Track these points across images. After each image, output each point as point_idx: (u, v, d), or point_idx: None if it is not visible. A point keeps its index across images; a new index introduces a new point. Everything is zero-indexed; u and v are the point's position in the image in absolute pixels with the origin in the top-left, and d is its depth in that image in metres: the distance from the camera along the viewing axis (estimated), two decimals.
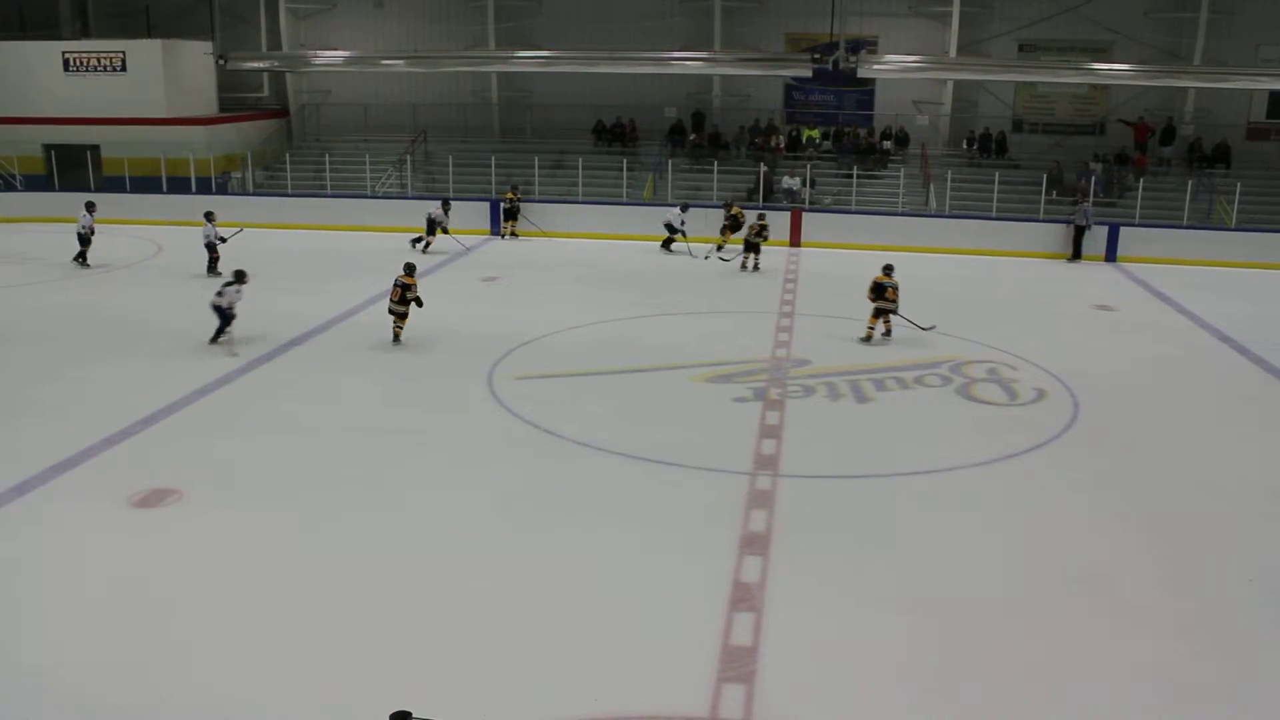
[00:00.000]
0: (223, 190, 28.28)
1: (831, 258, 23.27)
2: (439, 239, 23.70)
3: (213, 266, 19.91)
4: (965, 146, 28.90)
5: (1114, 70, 26.30)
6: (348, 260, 22.30)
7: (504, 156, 28.22)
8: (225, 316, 15.13)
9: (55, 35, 30.91)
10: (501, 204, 25.96)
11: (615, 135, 29.86)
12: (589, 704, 6.77)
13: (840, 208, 26.45)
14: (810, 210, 25.85)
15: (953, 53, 28.25)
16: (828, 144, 29.32)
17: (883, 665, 7.35)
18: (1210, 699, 7.09)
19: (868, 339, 16.06)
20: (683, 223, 23.58)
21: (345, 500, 9.97)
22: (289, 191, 28.51)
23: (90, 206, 21.40)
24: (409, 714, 5.17)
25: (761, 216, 22.33)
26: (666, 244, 23.83)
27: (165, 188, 27.36)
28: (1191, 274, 22.27)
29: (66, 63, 28.99)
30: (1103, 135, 29.01)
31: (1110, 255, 24.04)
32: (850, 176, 26.81)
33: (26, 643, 7.45)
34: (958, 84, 29.35)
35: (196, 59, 29.58)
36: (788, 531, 9.42)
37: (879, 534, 9.47)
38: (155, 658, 7.23)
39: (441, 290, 19.75)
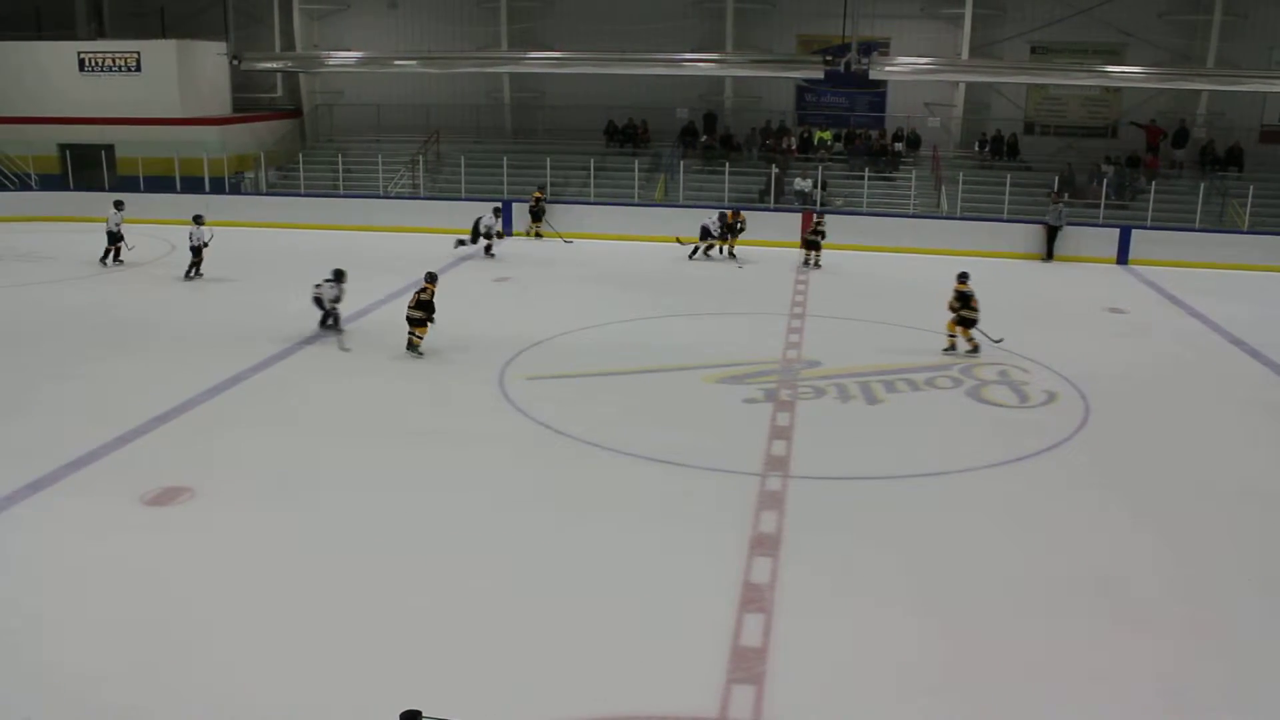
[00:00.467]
0: (236, 190, 28.44)
1: (843, 259, 23.26)
2: (481, 243, 23.21)
3: (193, 270, 19.79)
4: (977, 148, 28.88)
5: (1126, 72, 26.33)
6: (360, 261, 22.28)
7: (516, 157, 28.29)
8: (327, 311, 15.67)
9: (70, 35, 31.07)
10: (527, 204, 25.90)
11: (627, 136, 29.91)
12: (598, 704, 6.79)
13: (852, 209, 26.45)
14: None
15: (965, 55, 28.24)
16: (839, 146, 29.32)
17: (892, 667, 7.36)
18: (1218, 703, 7.08)
19: (951, 348, 15.65)
20: (722, 231, 23.11)
21: (356, 500, 10.02)
22: (302, 191, 28.65)
23: (119, 205, 21.51)
24: (419, 713, 5.18)
25: (821, 218, 22.85)
26: (703, 250, 23.27)
27: (179, 187, 27.52)
28: (1203, 277, 22.22)
29: (82, 63, 29.19)
30: (1115, 138, 28.96)
31: (1122, 258, 24.00)
32: (862, 178, 26.81)
33: (37, 640, 7.48)
34: (969, 86, 29.35)
35: (211, 59, 29.75)
36: (798, 533, 9.44)
37: (889, 536, 9.48)
38: (166, 656, 7.27)
39: (453, 291, 19.78)
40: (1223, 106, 28.38)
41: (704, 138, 29.66)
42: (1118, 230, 24.33)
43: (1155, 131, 27.98)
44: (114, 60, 29.18)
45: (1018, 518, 10.01)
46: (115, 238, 21.25)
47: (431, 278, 15.24)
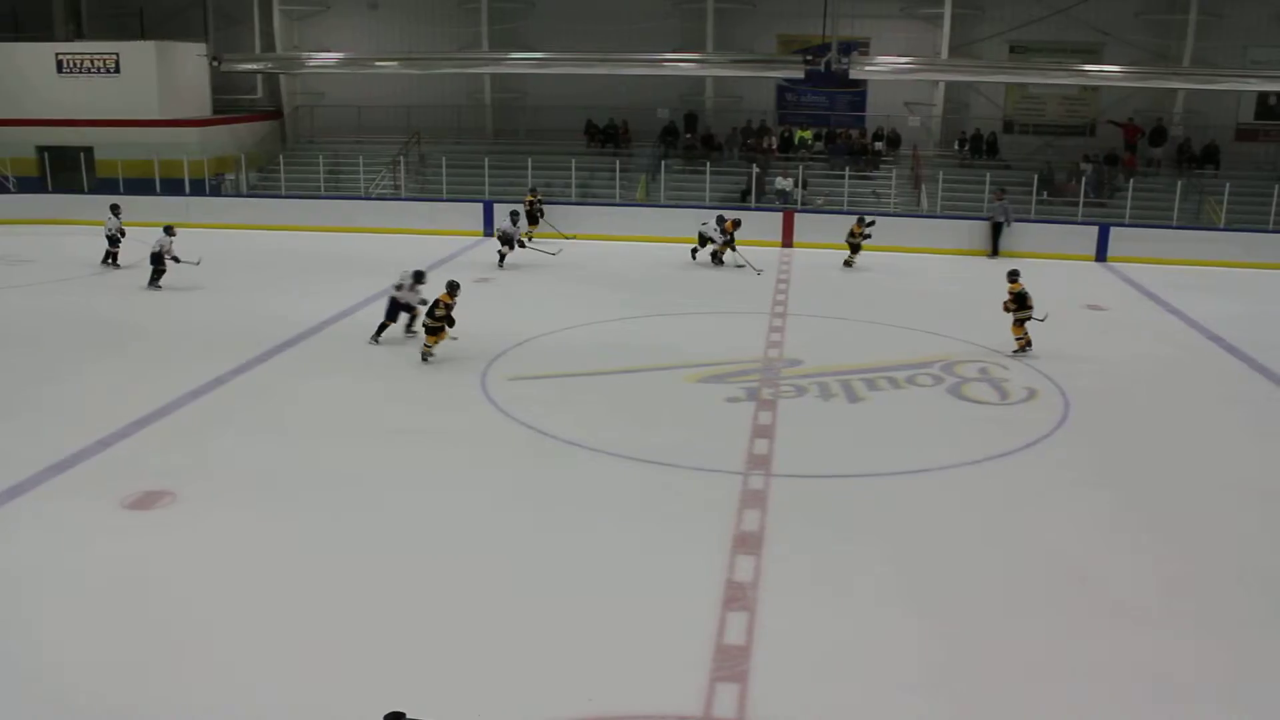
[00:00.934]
0: (217, 192, 28.32)
1: (823, 258, 23.34)
2: (516, 252, 22.33)
3: (156, 279, 19.19)
4: (956, 147, 29.05)
5: (1104, 71, 26.54)
6: (342, 262, 22.34)
7: (497, 158, 28.29)
8: (407, 310, 15.49)
9: (49, 36, 30.88)
10: (521, 207, 24.86)
11: (608, 136, 29.94)
12: (583, 704, 6.82)
13: (832, 209, 26.54)
14: (803, 211, 25.95)
15: (944, 54, 28.39)
16: (820, 145, 29.43)
17: (876, 664, 7.41)
18: (1205, 696, 7.16)
19: (1023, 349, 15.53)
20: (722, 234, 22.18)
21: (339, 501, 10.01)
22: (283, 193, 28.57)
23: (115, 209, 21.41)
24: (403, 715, 5.20)
25: (866, 221, 22.81)
26: (707, 255, 22.56)
27: (159, 189, 27.35)
28: (1181, 274, 22.41)
29: (60, 64, 28.99)
30: (1093, 136, 29.17)
31: (1101, 255, 24.18)
32: (842, 177, 26.91)
33: (19, 645, 7.47)
34: (949, 85, 29.50)
35: (190, 61, 29.61)
36: (780, 531, 9.48)
37: (871, 533, 9.54)
38: (149, 659, 7.27)
39: (433, 291, 19.79)
40: (1199, 105, 28.63)
41: (687, 135, 29.72)
42: (1096, 228, 24.51)
43: (1133, 130, 28.19)
44: (92, 62, 29.01)
45: (1000, 514, 10.09)
46: (114, 241, 21.15)
47: (450, 288, 14.74)
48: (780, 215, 25.29)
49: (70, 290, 19.45)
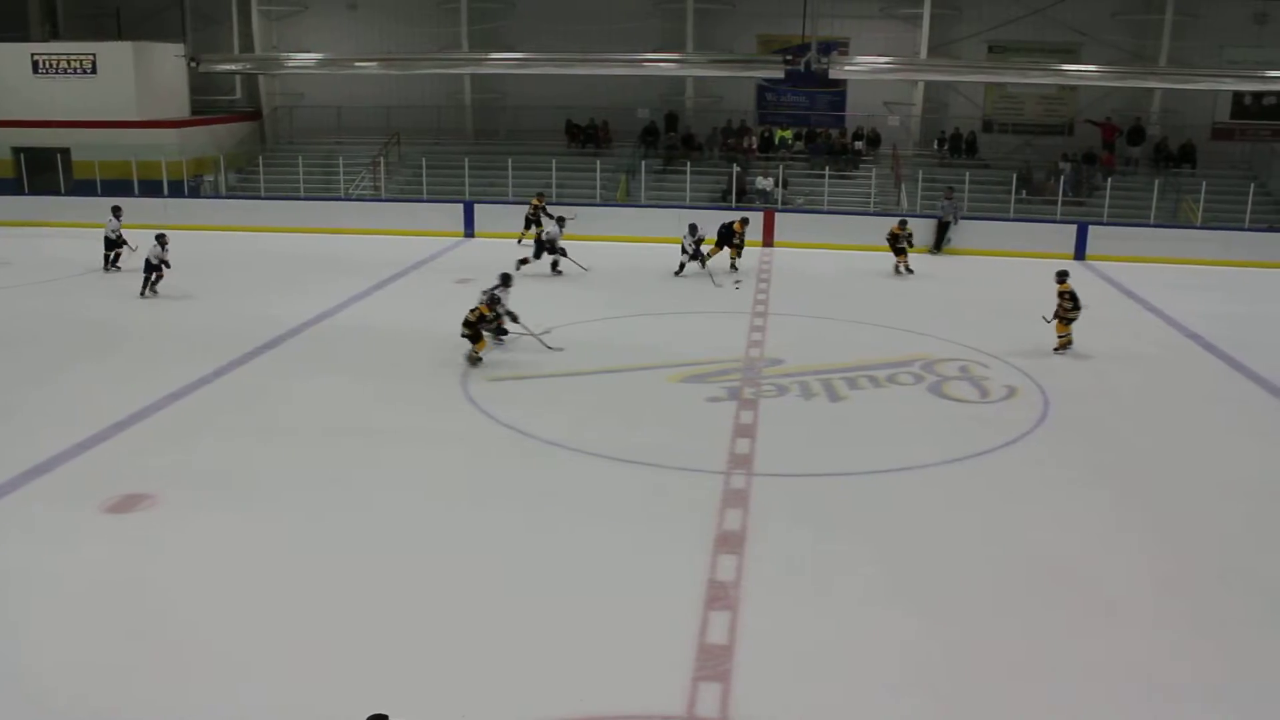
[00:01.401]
0: (195, 193, 28.18)
1: (804, 257, 23.40)
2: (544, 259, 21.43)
3: (147, 285, 18.68)
4: (936, 147, 29.18)
5: (1082, 71, 26.70)
6: (322, 263, 22.27)
7: (477, 159, 28.24)
8: (510, 317, 15.28)
9: (24, 37, 30.61)
10: (526, 212, 24.50)
11: (589, 137, 29.94)
12: (567, 704, 6.82)
13: (813, 208, 26.63)
14: (783, 210, 26.01)
15: (923, 54, 28.52)
16: (800, 145, 29.51)
17: (858, 663, 7.44)
18: (1193, 695, 7.21)
19: (1068, 345, 15.73)
20: (696, 243, 21.13)
21: (321, 502, 9.98)
22: (262, 194, 28.45)
23: (117, 211, 21.27)
24: (385, 717, 5.20)
25: (904, 224, 22.33)
26: (682, 268, 21.39)
27: (137, 191, 27.17)
28: (1159, 271, 22.57)
29: (36, 65, 28.79)
30: (1071, 135, 29.35)
31: (1079, 254, 24.32)
32: (822, 177, 26.98)
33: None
34: (928, 85, 29.62)
35: (168, 61, 29.44)
36: (763, 530, 9.51)
37: (853, 532, 9.57)
38: (131, 661, 7.23)
39: (414, 292, 19.81)
40: (1176, 104, 28.85)
41: (671, 133, 29.73)
42: (1075, 226, 24.66)
43: (1110, 129, 28.39)
44: (69, 62, 28.81)
45: (982, 512, 10.13)
46: (113, 244, 21.01)
47: (489, 299, 14.55)
48: (761, 215, 25.32)
49: (49, 292, 19.31)
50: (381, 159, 29.29)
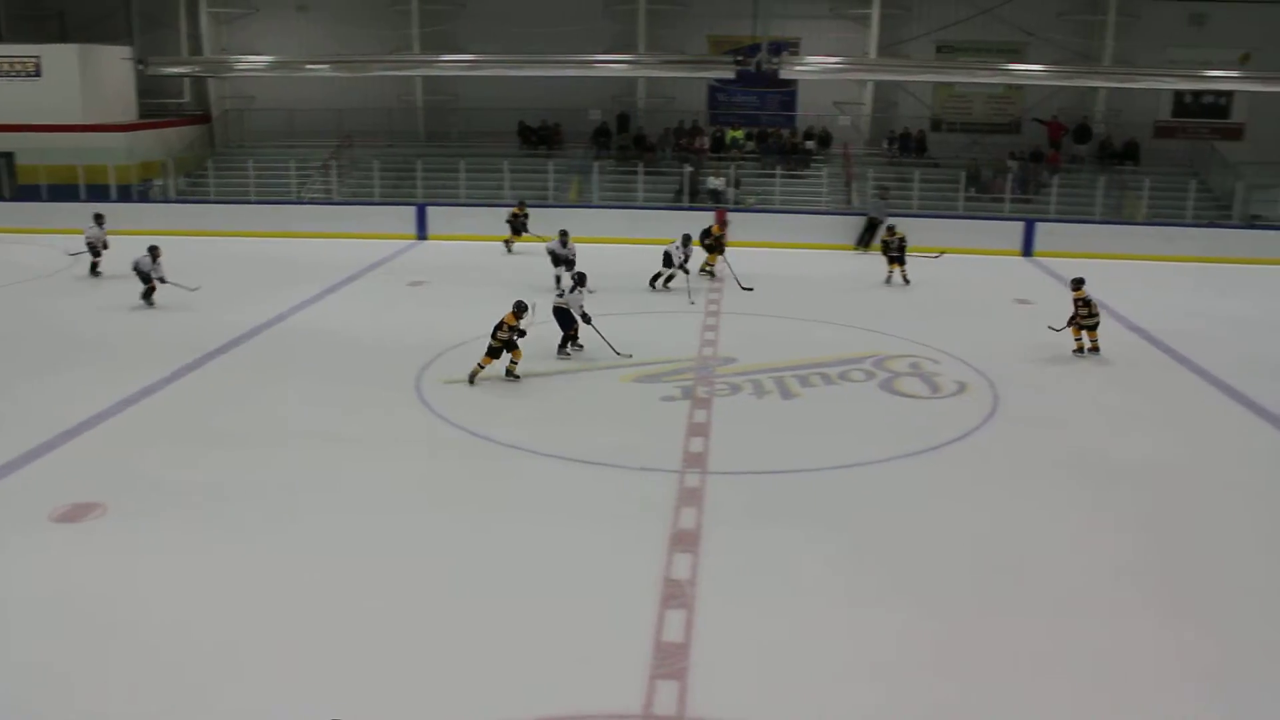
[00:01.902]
0: (144, 198, 27.84)
1: (756, 257, 23.53)
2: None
3: (148, 295, 18.41)
4: (886, 146, 29.49)
5: (1028, 71, 27.10)
6: (274, 267, 22.11)
7: (430, 160, 28.16)
8: (583, 318, 15.25)
9: None
10: (505, 218, 24.49)
11: (541, 138, 29.94)
12: (523, 705, 6.86)
13: (764, 207, 26.80)
14: (735, 210, 26.16)
15: (873, 54, 28.82)
16: (751, 145, 29.69)
17: (814, 658, 7.52)
18: (1148, 683, 7.35)
19: (1081, 350, 15.83)
20: (686, 257, 20.08)
21: (273, 508, 9.94)
22: (212, 199, 28.19)
23: (99, 218, 21.02)
24: None
25: (893, 228, 21.93)
26: (660, 279, 20.37)
27: (84, 196, 26.73)
28: (1104, 267, 22.87)
29: None
30: (1019, 134, 29.82)
31: (1027, 250, 24.73)
32: (774, 176, 27.17)
33: None
34: (878, 85, 29.94)
35: (115, 64, 29.10)
36: (717, 528, 9.58)
37: (808, 528, 9.66)
38: (75, 669, 7.18)
39: (367, 294, 19.71)
40: (1120, 103, 29.39)
41: (623, 134, 29.79)
42: (1022, 224, 25.06)
43: (1057, 127, 28.86)
44: (12, 65, 28.34)
45: (935, 506, 10.27)
46: (95, 251, 20.75)
47: (516, 308, 14.02)
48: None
49: None
50: (333, 162, 29.11)
